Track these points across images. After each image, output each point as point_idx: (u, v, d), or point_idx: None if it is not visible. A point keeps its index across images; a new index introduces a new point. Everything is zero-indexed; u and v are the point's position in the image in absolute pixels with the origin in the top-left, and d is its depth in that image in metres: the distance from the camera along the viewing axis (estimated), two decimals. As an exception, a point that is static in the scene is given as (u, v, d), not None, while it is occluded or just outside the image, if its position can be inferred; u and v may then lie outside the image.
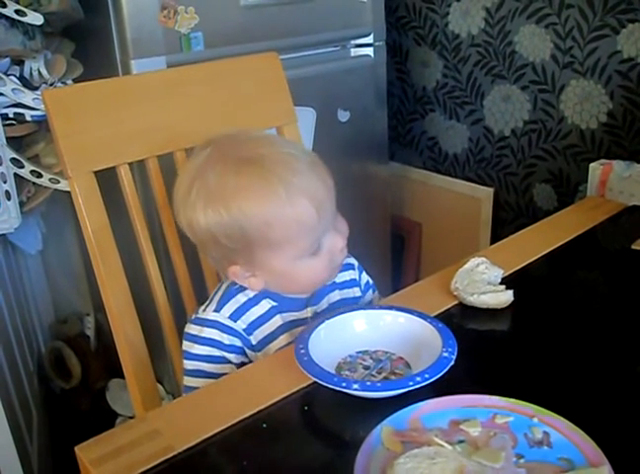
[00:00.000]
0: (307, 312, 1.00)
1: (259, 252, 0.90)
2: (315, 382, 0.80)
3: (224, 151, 0.90)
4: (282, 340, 0.97)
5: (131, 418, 0.90)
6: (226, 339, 0.94)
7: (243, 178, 0.86)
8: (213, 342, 0.94)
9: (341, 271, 1.05)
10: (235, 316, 0.95)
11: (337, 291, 1.04)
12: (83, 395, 2.11)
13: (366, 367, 0.85)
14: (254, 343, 0.96)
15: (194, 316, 0.98)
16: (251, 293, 0.97)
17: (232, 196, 0.86)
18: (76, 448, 0.75)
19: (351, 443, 0.71)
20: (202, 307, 0.98)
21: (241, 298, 0.97)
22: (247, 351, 0.96)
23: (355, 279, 1.08)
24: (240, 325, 0.95)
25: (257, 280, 0.94)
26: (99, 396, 2.07)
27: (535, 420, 0.73)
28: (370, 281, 1.13)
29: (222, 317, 0.95)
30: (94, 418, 2.01)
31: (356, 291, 1.08)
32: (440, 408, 0.75)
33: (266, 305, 0.97)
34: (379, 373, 0.84)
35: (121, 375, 1.09)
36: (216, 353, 0.94)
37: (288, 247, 0.90)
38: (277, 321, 0.97)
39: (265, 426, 0.78)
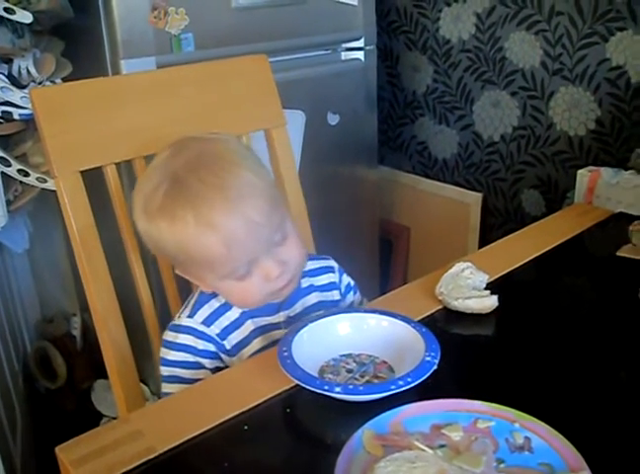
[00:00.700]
0: (280, 317, 1.00)
1: (188, 267, 0.91)
2: (297, 385, 0.80)
3: (166, 165, 0.88)
4: (255, 344, 0.97)
5: (116, 419, 0.90)
6: (200, 344, 0.95)
7: (167, 198, 0.85)
8: (187, 347, 0.95)
9: (319, 274, 1.06)
10: (208, 321, 0.96)
11: (314, 294, 1.04)
12: (68, 395, 2.10)
13: (350, 371, 0.85)
14: (228, 347, 0.96)
15: (171, 323, 0.99)
16: (223, 299, 0.97)
17: (154, 213, 0.86)
18: (57, 449, 0.75)
19: (332, 446, 0.71)
20: (178, 313, 0.99)
21: (214, 303, 0.97)
22: (222, 355, 0.96)
23: (334, 283, 1.08)
24: (213, 330, 0.95)
25: (206, 287, 0.95)
26: (84, 396, 2.06)
27: (517, 425, 0.73)
28: (352, 283, 1.13)
29: (196, 323, 0.95)
30: (79, 418, 2.00)
31: (335, 295, 1.08)
32: (421, 412, 0.76)
33: (238, 310, 0.97)
34: (362, 377, 0.84)
35: (107, 376, 1.08)
36: (191, 358, 0.95)
37: (206, 270, 0.89)
38: (248, 326, 0.97)
39: (246, 427, 0.78)
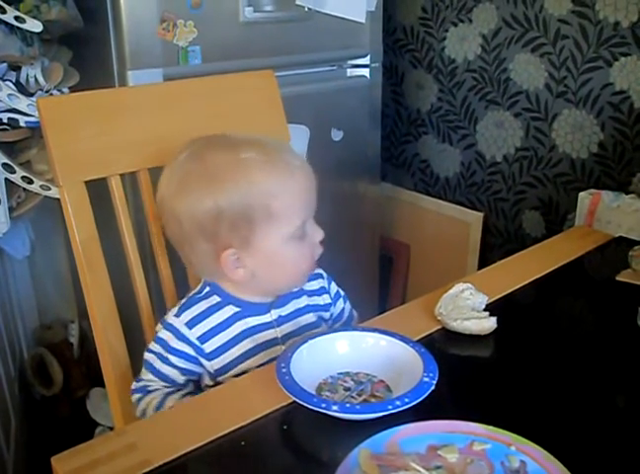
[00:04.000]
0: (271, 315, 1.01)
1: (258, 228, 0.93)
2: (295, 402, 0.80)
3: (213, 141, 0.97)
4: (246, 344, 0.99)
5: (111, 428, 0.90)
6: (174, 343, 0.97)
7: (244, 154, 0.93)
8: (163, 342, 0.98)
9: (310, 279, 1.08)
10: (191, 323, 0.98)
11: (305, 297, 1.06)
12: (63, 403, 2.10)
13: (347, 389, 0.85)
14: (208, 351, 0.97)
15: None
16: (214, 300, 0.99)
17: (237, 170, 0.92)
18: (52, 459, 0.75)
19: (328, 465, 0.71)
20: (170, 311, 1.02)
21: (203, 305, 0.99)
22: (201, 360, 0.98)
23: (324, 287, 1.10)
24: (195, 332, 0.97)
25: (244, 272, 0.96)
26: (79, 404, 2.06)
27: (513, 448, 0.73)
28: (341, 293, 1.14)
29: (179, 323, 0.98)
30: (73, 426, 2.00)
31: (325, 298, 1.10)
32: (418, 433, 0.76)
33: (229, 311, 0.99)
34: (360, 395, 0.84)
35: (103, 384, 1.09)
36: (163, 353, 0.98)
37: (285, 222, 0.94)
38: (238, 327, 0.99)
39: (243, 443, 0.78)
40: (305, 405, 0.78)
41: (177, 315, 0.99)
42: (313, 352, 0.89)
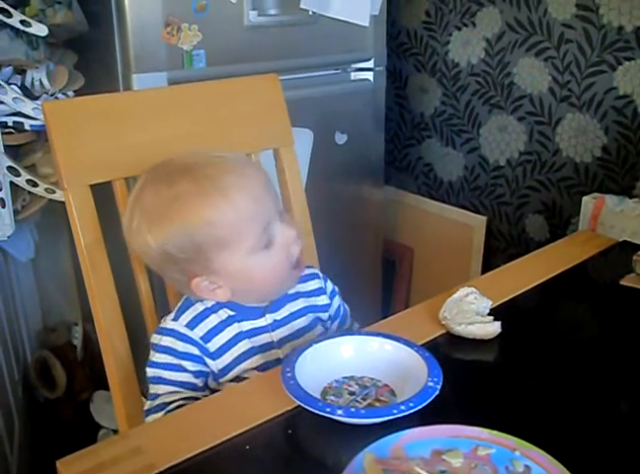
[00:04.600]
0: (266, 319, 1.01)
1: (213, 255, 0.92)
2: (300, 406, 0.80)
3: (156, 173, 0.95)
4: (242, 346, 0.98)
5: (114, 431, 0.90)
6: (180, 346, 0.96)
7: (176, 188, 0.90)
8: (168, 349, 0.96)
9: (306, 280, 1.08)
10: (192, 324, 0.97)
11: (301, 300, 1.06)
12: (67, 405, 2.10)
13: (352, 393, 0.86)
14: (212, 350, 0.97)
15: (158, 327, 1.01)
16: (209, 303, 0.99)
17: (171, 207, 0.90)
18: (57, 463, 0.75)
19: (333, 469, 0.71)
20: (164, 318, 1.00)
21: (199, 307, 0.99)
22: (206, 359, 0.97)
23: (321, 288, 1.10)
24: (197, 333, 0.97)
25: (223, 291, 0.96)
26: (83, 407, 2.06)
27: (517, 453, 0.73)
28: (336, 289, 1.14)
29: (180, 325, 0.97)
30: (77, 429, 2.00)
31: (323, 299, 1.10)
32: (422, 437, 0.76)
33: (223, 314, 0.99)
34: (364, 400, 0.84)
35: (107, 387, 1.09)
36: (173, 360, 0.96)
37: (238, 242, 0.92)
38: (234, 329, 0.99)
39: (248, 447, 0.78)
40: (310, 409, 0.78)
41: (175, 319, 0.98)
42: (318, 356, 0.89)
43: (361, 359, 0.91)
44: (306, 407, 0.79)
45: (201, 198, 0.90)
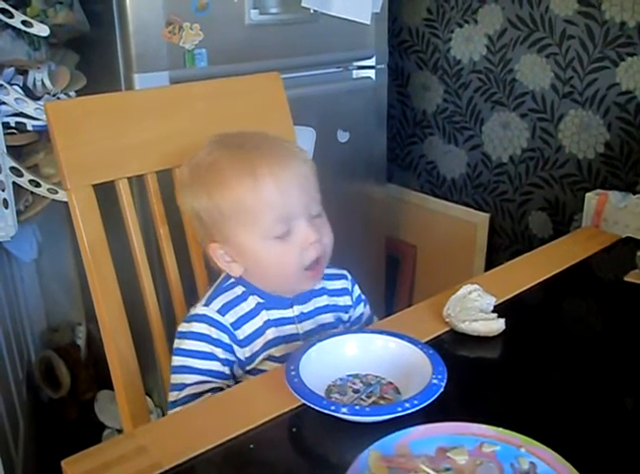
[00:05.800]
0: (293, 310, 1.02)
1: (232, 229, 0.95)
2: (304, 404, 0.80)
3: (215, 138, 1.00)
4: (269, 334, 0.99)
5: (119, 430, 0.90)
6: (214, 333, 0.96)
7: (214, 155, 0.96)
8: (202, 336, 0.96)
9: (333, 279, 1.09)
10: (223, 310, 0.98)
11: (325, 297, 1.07)
12: (71, 405, 2.10)
13: (356, 391, 0.86)
14: (241, 337, 0.97)
15: (187, 315, 1.01)
16: (239, 291, 1.00)
17: (207, 171, 0.96)
18: (63, 462, 0.75)
19: (337, 467, 0.71)
20: (194, 305, 1.01)
21: (230, 295, 1.00)
22: (235, 347, 0.97)
23: (346, 288, 1.11)
24: (228, 319, 0.97)
25: (238, 267, 0.98)
26: (87, 407, 2.06)
27: (523, 450, 0.73)
28: (363, 296, 1.15)
29: (211, 311, 0.98)
30: (81, 429, 2.00)
31: (346, 300, 1.10)
32: (427, 435, 0.76)
33: (252, 302, 1.00)
34: (369, 397, 0.84)
35: (111, 387, 1.09)
36: (205, 347, 0.96)
37: (253, 223, 0.94)
38: (263, 317, 1.00)
39: (252, 446, 0.78)
40: (314, 407, 0.78)
41: (206, 304, 0.98)
42: (322, 354, 0.89)
43: (366, 357, 0.91)
44: (310, 405, 0.79)
45: (232, 172, 0.94)
